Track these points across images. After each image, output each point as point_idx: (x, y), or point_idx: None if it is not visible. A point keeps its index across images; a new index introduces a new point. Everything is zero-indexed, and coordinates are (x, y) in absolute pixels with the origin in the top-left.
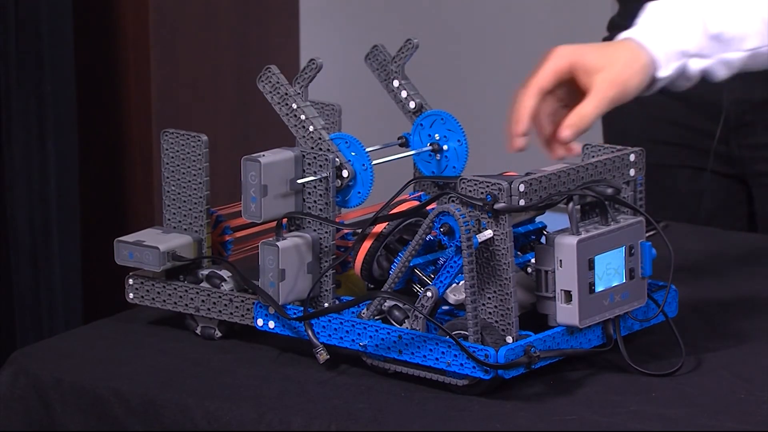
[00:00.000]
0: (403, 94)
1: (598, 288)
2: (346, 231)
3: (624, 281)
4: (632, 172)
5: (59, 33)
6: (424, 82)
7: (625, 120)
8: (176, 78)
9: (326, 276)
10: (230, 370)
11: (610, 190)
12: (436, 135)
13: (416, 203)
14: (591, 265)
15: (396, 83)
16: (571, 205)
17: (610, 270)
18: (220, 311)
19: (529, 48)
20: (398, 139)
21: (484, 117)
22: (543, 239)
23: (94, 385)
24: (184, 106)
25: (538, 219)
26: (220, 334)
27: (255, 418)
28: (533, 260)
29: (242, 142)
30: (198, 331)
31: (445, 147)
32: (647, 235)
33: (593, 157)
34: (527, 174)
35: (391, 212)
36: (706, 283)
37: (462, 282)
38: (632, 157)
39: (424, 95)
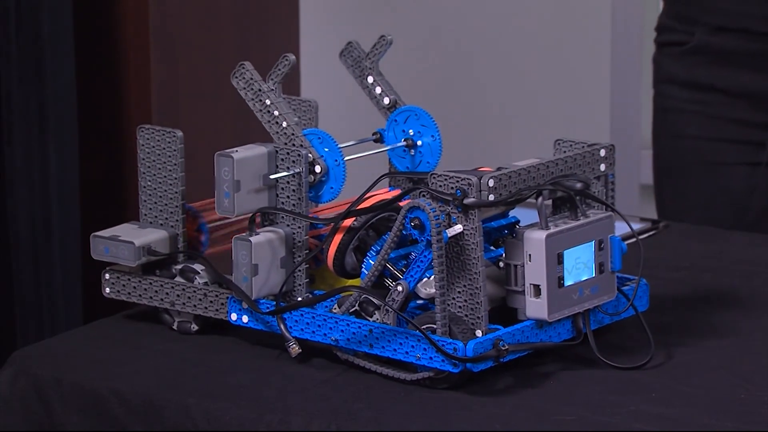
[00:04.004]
0: (378, 90)
1: (567, 282)
2: (322, 231)
3: (593, 275)
4: (603, 167)
5: (59, 33)
6: (399, 79)
7: (684, 120)
8: (176, 78)
9: (299, 270)
10: (230, 370)
11: (579, 185)
12: (411, 131)
13: (388, 196)
14: (560, 260)
15: (370, 79)
16: (540, 199)
17: (580, 264)
18: (194, 306)
19: (505, 46)
20: (373, 134)
21: (458, 113)
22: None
23: (94, 385)
24: (184, 106)
25: (513, 213)
26: (196, 328)
27: (255, 418)
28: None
29: (242, 141)
30: (174, 326)
31: (419, 143)
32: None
33: (564, 152)
34: (498, 169)
35: (362, 206)
36: (705, 283)
37: (432, 276)
38: (603, 153)
39: (399, 91)
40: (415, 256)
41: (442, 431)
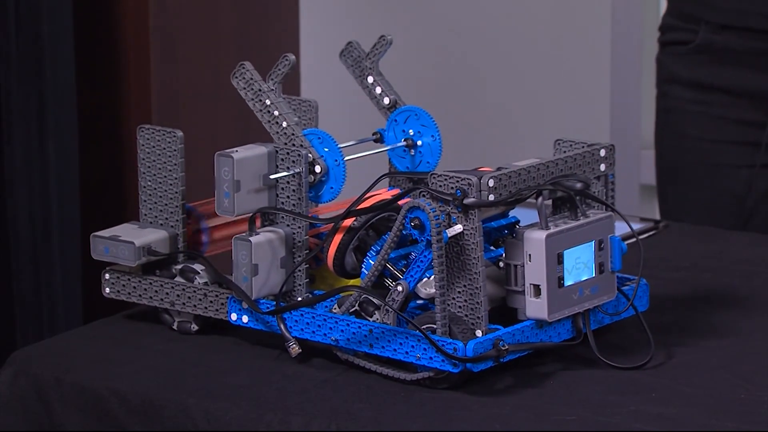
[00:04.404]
0: (378, 90)
1: (567, 282)
2: (322, 230)
3: (593, 275)
4: (603, 167)
5: (59, 33)
6: (399, 79)
7: (686, 120)
8: (176, 78)
9: (299, 270)
10: (230, 370)
11: (579, 185)
12: (411, 130)
13: (388, 196)
14: (560, 260)
15: (370, 79)
16: (540, 199)
17: (580, 264)
18: (194, 306)
19: (504, 46)
20: (373, 134)
21: (458, 113)
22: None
23: (94, 385)
24: (184, 106)
25: (513, 213)
26: (196, 328)
27: (255, 418)
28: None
29: (242, 141)
30: (174, 326)
31: (419, 142)
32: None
33: (564, 152)
34: (498, 169)
35: (362, 206)
36: (705, 283)
37: (433, 276)
38: (603, 153)
39: (399, 91)
40: (415, 256)
41: (442, 431)
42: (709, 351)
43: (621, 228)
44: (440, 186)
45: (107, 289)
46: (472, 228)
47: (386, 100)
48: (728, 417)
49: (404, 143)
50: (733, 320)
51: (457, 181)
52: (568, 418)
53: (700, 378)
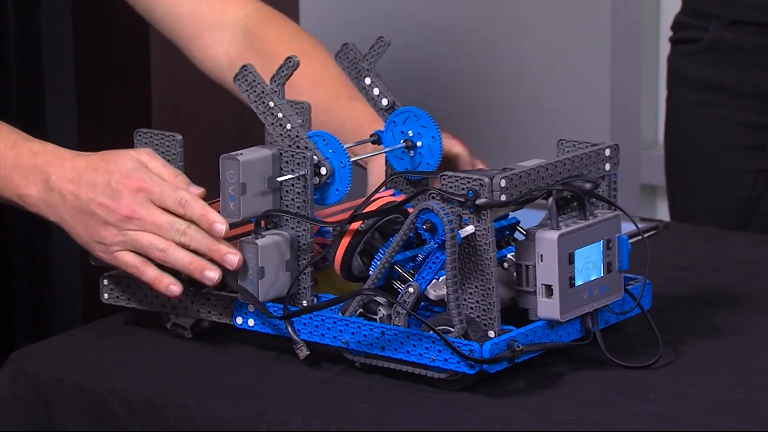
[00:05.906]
0: (375, 91)
1: (578, 282)
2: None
3: (602, 275)
4: (607, 166)
5: (59, 33)
6: (398, 79)
7: (693, 123)
8: (176, 78)
9: (305, 273)
10: (230, 370)
11: (588, 185)
12: (410, 132)
13: (393, 198)
14: (571, 260)
15: (368, 81)
16: (551, 200)
17: (589, 264)
18: (198, 310)
19: (505, 46)
20: (371, 136)
21: (458, 113)
22: (517, 234)
23: (94, 385)
24: (184, 106)
25: (512, 214)
26: (190, 335)
27: (255, 418)
28: (509, 255)
29: (243, 142)
30: (168, 326)
31: (419, 144)
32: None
33: (569, 152)
34: (505, 169)
35: (369, 208)
36: (706, 282)
37: (442, 278)
38: (607, 152)
39: (397, 92)
40: (425, 258)
41: (442, 431)
42: (709, 351)
43: (623, 227)
44: (451, 187)
45: (105, 295)
46: (484, 229)
47: (384, 102)
48: (728, 417)
49: (403, 144)
50: (733, 320)
51: (469, 182)
52: (568, 418)
53: (700, 378)
